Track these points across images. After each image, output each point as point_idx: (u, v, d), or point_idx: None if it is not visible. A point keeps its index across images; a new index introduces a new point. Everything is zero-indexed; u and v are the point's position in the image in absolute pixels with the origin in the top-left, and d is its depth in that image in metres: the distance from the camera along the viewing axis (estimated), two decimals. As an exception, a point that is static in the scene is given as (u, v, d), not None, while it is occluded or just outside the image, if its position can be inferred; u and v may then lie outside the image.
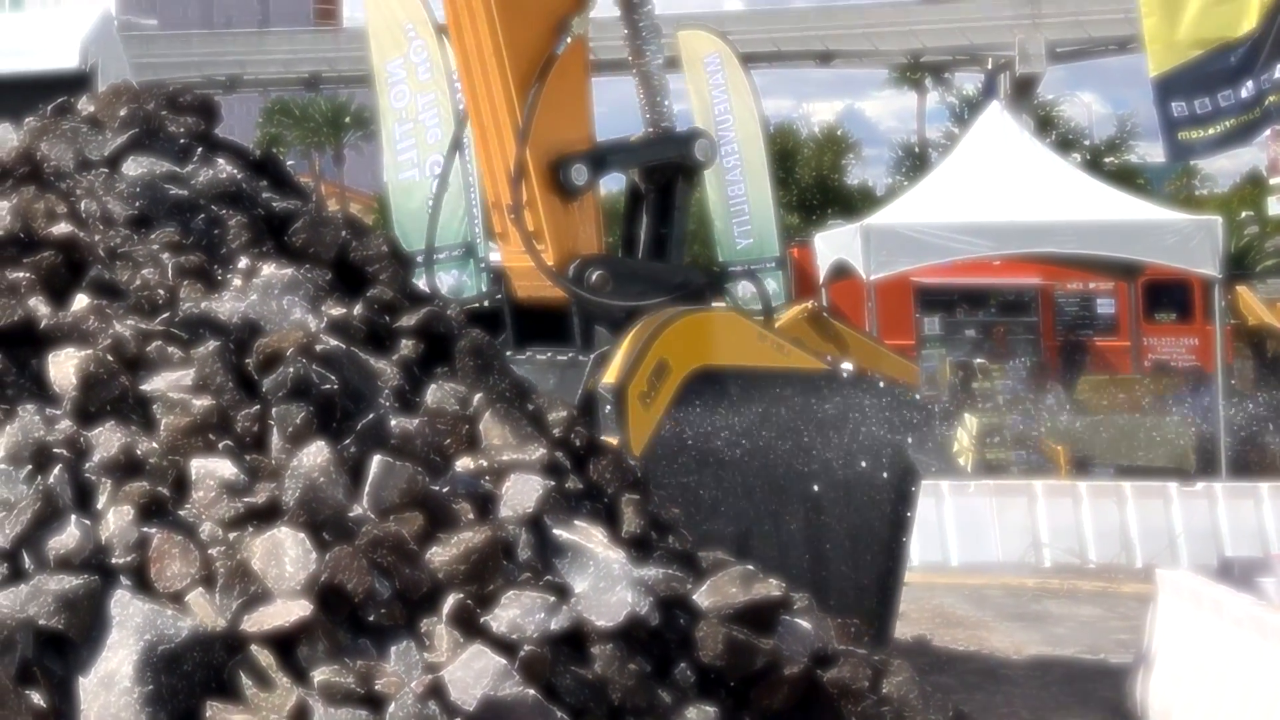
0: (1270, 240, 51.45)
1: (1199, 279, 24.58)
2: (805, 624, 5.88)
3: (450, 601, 5.12)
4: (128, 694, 4.62)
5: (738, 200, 28.02)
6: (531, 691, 4.88)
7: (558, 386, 8.89)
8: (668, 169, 10.46)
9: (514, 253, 10.29)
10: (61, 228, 6.21)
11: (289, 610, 4.87)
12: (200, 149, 6.99)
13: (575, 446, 6.37)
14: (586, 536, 5.67)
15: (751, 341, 10.07)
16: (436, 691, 4.81)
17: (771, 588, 5.82)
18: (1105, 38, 57.45)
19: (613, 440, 7.59)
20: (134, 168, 6.70)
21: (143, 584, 4.93)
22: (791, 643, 5.72)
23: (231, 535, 5.11)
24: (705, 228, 31.11)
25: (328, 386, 5.65)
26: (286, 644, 4.83)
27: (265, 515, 5.16)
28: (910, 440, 10.61)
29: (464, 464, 5.84)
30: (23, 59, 14.82)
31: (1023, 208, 21.81)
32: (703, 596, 5.73)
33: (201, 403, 5.48)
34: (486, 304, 12.44)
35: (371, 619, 5.02)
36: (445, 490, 5.58)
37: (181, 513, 5.19)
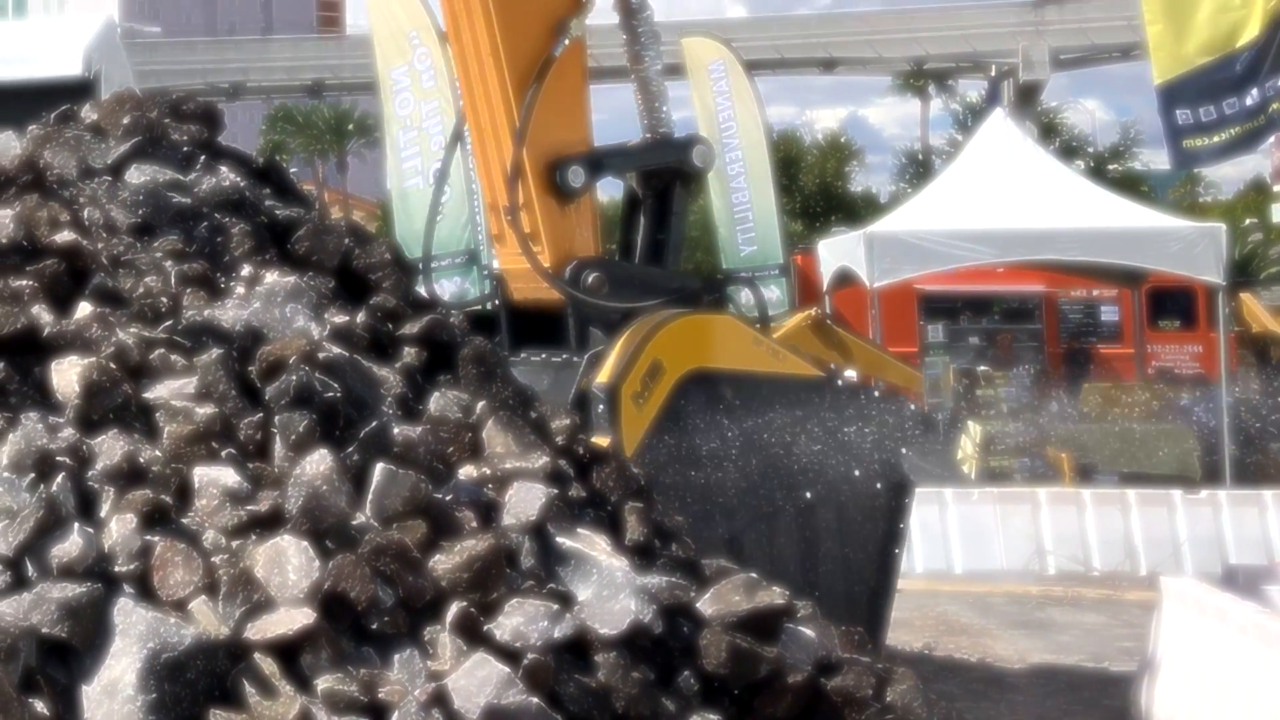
0: (1274, 247, 51.47)
1: (1203, 286, 24.60)
2: (809, 632, 5.87)
3: (453, 610, 5.12)
4: (131, 702, 4.62)
5: (741, 207, 28.04)
6: (535, 700, 4.88)
7: (551, 387, 8.87)
8: (665, 175, 10.45)
9: (510, 255, 10.28)
10: (64, 236, 6.21)
11: (292, 618, 4.86)
12: (203, 157, 7.00)
13: (578, 454, 6.37)
14: (590, 544, 5.67)
15: (747, 346, 10.04)
16: (440, 700, 4.81)
17: (775, 596, 5.81)
18: (1109, 45, 57.47)
19: (604, 440, 7.58)
20: (137, 176, 6.71)
21: (146, 592, 4.93)
22: (795, 651, 5.72)
23: (234, 543, 5.11)
24: (709, 235, 31.12)
25: (330, 394, 5.65)
26: (290, 652, 4.82)
27: (268, 523, 5.16)
28: (906, 452, 10.57)
29: (467, 472, 5.84)
30: (26, 66, 14.83)
31: (1026, 215, 21.81)
32: (706, 604, 5.72)
33: (204, 411, 5.48)
34: (488, 306, 12.43)
35: (374, 627, 5.02)
36: (448, 498, 5.57)
37: (184, 521, 5.18)
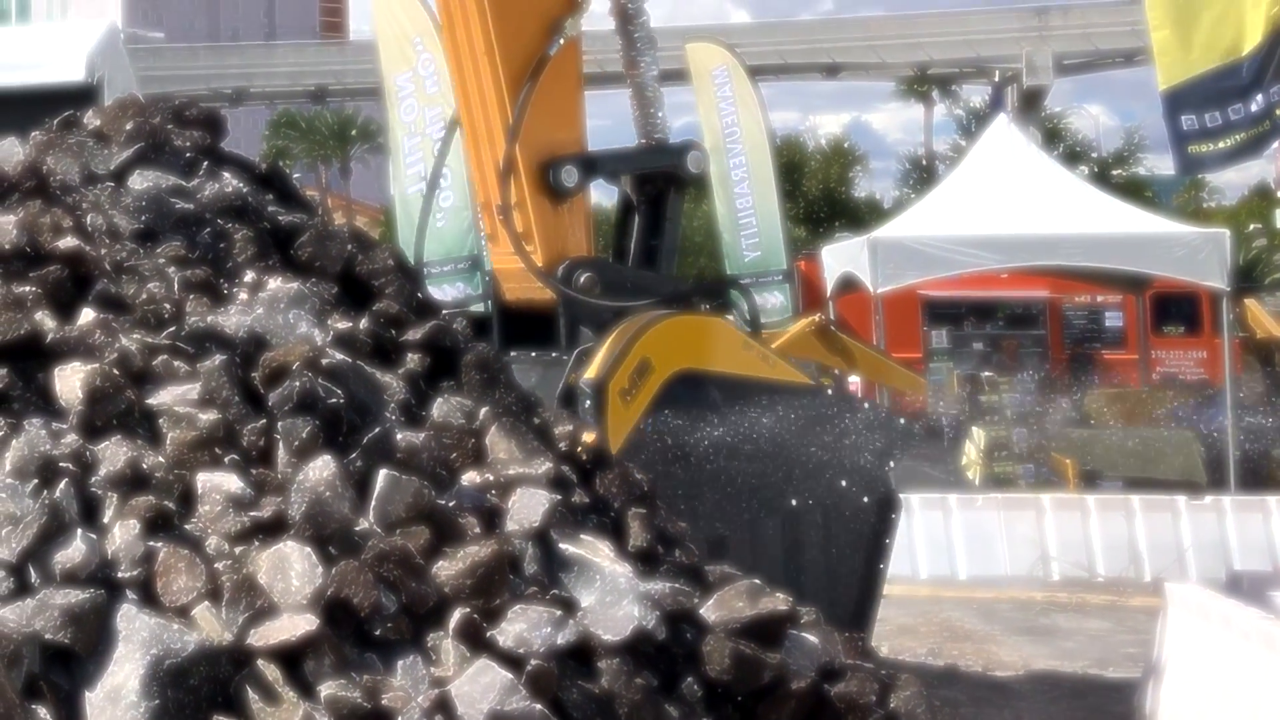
0: (1279, 253, 51.43)
1: (1207, 292, 24.61)
2: (812, 638, 5.86)
3: (457, 616, 5.11)
4: (134, 708, 4.61)
5: (745, 213, 28.05)
6: (538, 706, 4.87)
7: (539, 384, 8.85)
8: (659, 180, 10.44)
9: (503, 254, 10.28)
10: (67, 241, 6.20)
11: (295, 624, 4.86)
12: (206, 163, 6.99)
13: (582, 460, 6.37)
14: (593, 550, 5.66)
15: (737, 349, 10.02)
16: (443, 706, 4.80)
17: (778, 602, 5.80)
18: (1112, 50, 57.50)
19: (589, 436, 7.56)
20: (140, 181, 6.71)
21: (149, 598, 4.92)
22: (798, 657, 5.71)
23: (238, 549, 5.10)
24: (713, 240, 31.12)
25: (334, 400, 5.65)
26: (293, 658, 4.81)
27: (271, 529, 5.15)
28: (893, 467, 10.51)
29: (470, 478, 5.83)
30: (29, 72, 14.85)
31: (1030, 220, 21.82)
32: (709, 611, 5.71)
33: (207, 417, 5.47)
34: (484, 307, 12.42)
35: (378, 633, 5.01)
36: (451, 504, 5.57)
37: (188, 527, 5.18)
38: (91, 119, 7.17)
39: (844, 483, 10.02)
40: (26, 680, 4.62)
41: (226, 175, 6.97)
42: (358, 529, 5.23)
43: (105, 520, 5.12)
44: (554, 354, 9.70)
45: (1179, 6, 15.17)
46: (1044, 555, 17.94)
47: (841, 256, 24.72)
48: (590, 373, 9.14)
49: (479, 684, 4.86)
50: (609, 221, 12.55)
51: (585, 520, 5.95)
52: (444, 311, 7.22)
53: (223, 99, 55.35)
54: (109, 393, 5.48)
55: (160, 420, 5.51)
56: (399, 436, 5.74)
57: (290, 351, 5.78)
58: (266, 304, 6.16)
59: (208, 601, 4.90)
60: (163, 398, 5.60)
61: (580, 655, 5.21)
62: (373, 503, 5.35)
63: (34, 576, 4.88)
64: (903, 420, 11.58)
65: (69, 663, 4.74)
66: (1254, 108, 14.64)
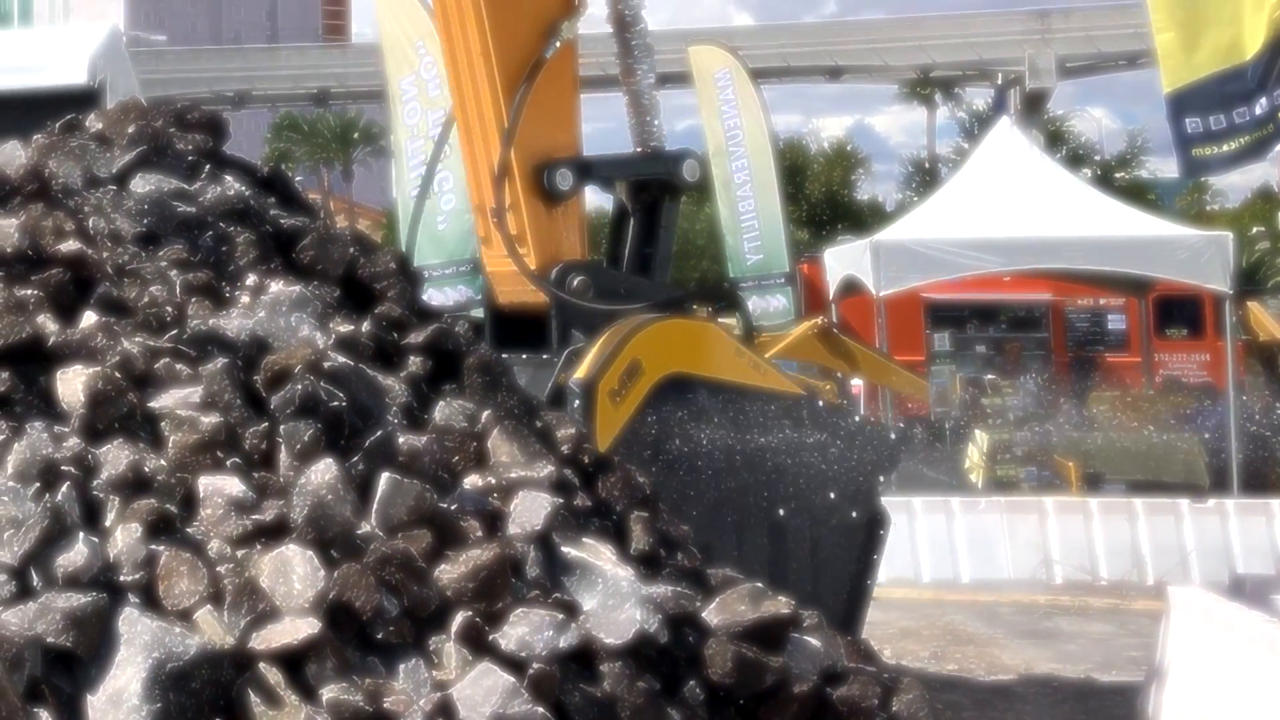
0: (1281, 255, 51.46)
1: (1210, 295, 24.61)
2: (815, 641, 5.86)
3: (458, 619, 5.11)
4: (136, 712, 4.61)
5: (747, 216, 28.10)
6: (540, 709, 4.87)
7: (529, 384, 8.82)
8: (655, 188, 10.41)
9: (496, 257, 10.25)
10: (69, 245, 6.20)
11: (297, 628, 4.85)
12: (208, 166, 6.99)
13: (584, 464, 6.36)
14: (595, 554, 5.66)
15: (729, 356, 9.98)
16: (445, 709, 4.80)
17: (781, 605, 5.80)
18: (1115, 53, 57.56)
19: None
20: (142, 185, 6.70)
21: (151, 601, 4.92)
22: (801, 660, 5.70)
23: (239, 553, 5.10)
24: (715, 243, 31.14)
25: (336, 404, 5.64)
26: (295, 662, 4.81)
27: (273, 533, 5.15)
28: (883, 483, 10.44)
29: (472, 481, 5.83)
30: (31, 75, 14.85)
31: (1033, 223, 21.85)
32: (712, 614, 5.71)
33: (209, 420, 5.47)
34: (477, 312, 12.40)
35: (380, 637, 5.00)
36: (453, 508, 5.56)
37: (189, 530, 5.17)
38: (93, 122, 7.17)
39: (832, 497, 9.96)
40: (28, 683, 4.62)
41: (228, 178, 6.97)
42: (359, 532, 5.23)
43: (107, 523, 5.12)
44: (545, 356, 9.66)
45: (1183, 9, 15.17)
46: (1046, 558, 17.95)
47: (844, 259, 24.74)
48: (580, 372, 9.11)
49: (481, 687, 4.86)
50: (602, 223, 12.54)
51: (587, 523, 5.94)
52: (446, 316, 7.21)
53: (225, 102, 55.42)
54: (111, 396, 5.48)
55: (162, 423, 5.51)
56: (401, 440, 5.74)
57: (292, 355, 5.78)
58: (268, 307, 6.16)
59: (209, 605, 4.89)
60: (164, 401, 5.60)
61: (582, 659, 5.21)
62: (374, 506, 5.35)
63: (36, 580, 4.88)
64: (894, 435, 11.49)
65: (71, 666, 4.73)
66: (1258, 110, 14.65)
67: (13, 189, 6.54)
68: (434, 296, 17.43)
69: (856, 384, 25.45)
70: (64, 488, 5.11)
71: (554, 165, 9.93)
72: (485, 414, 6.11)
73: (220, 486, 5.28)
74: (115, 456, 5.29)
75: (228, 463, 5.38)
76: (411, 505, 5.37)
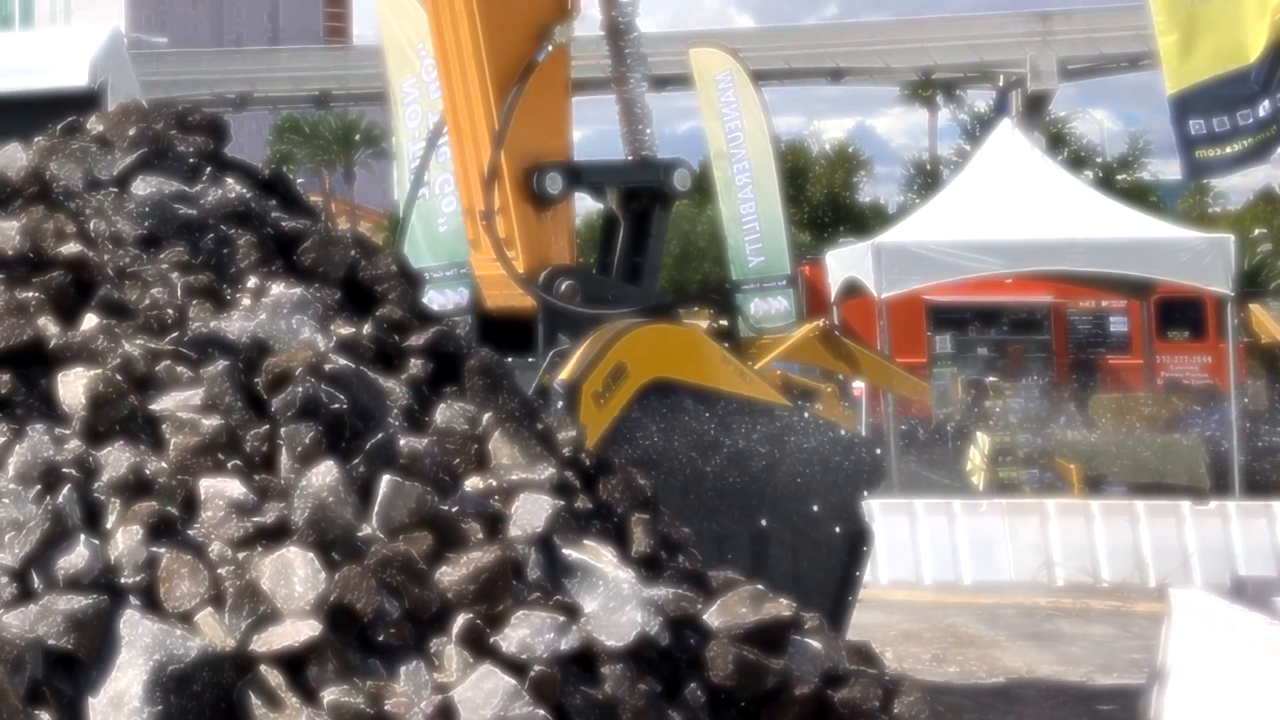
0: (1283, 257, 51.48)
1: (1212, 297, 24.62)
2: (816, 644, 5.86)
3: (459, 621, 5.10)
4: (137, 714, 4.61)
5: (749, 218, 28.10)
6: (541, 712, 4.86)
7: None
8: (645, 196, 10.38)
9: (485, 260, 10.22)
10: (70, 247, 6.20)
11: (298, 630, 4.85)
12: (209, 168, 6.99)
13: (585, 466, 6.36)
14: (596, 556, 5.66)
15: (715, 363, 9.94)
16: (446, 712, 4.79)
17: (782, 607, 5.80)
18: (1117, 55, 57.62)
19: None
20: (143, 187, 6.70)
21: (152, 604, 4.92)
22: (802, 663, 5.70)
23: (240, 555, 5.09)
24: (717, 246, 31.15)
25: (337, 406, 5.64)
26: (296, 664, 4.81)
27: (274, 535, 5.15)
28: (865, 498, 10.35)
29: (473, 483, 5.83)
30: (32, 77, 14.84)
31: (1035, 225, 21.86)
32: (713, 616, 5.71)
33: (210, 422, 5.47)
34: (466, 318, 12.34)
35: (381, 639, 5.00)
36: (454, 510, 5.56)
37: (190, 532, 5.17)
38: (94, 124, 7.16)
39: (815, 509, 9.89)
40: (29, 686, 4.62)
41: (230, 181, 6.97)
42: (360, 535, 5.23)
43: (108, 526, 5.12)
44: (530, 359, 9.63)
45: (1186, 12, 15.20)
46: (1048, 560, 17.96)
47: (845, 261, 24.75)
48: (564, 373, 9.09)
49: (482, 690, 4.86)
50: (592, 232, 12.52)
51: (588, 526, 5.94)
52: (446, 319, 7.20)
53: (226, 104, 55.47)
54: (112, 398, 5.48)
55: (163, 426, 5.51)
56: (402, 442, 5.73)
57: (293, 357, 5.78)
58: (269, 309, 6.15)
59: (210, 607, 4.89)
60: (165, 403, 5.60)
61: (583, 661, 5.21)
62: (375, 508, 5.34)
63: (37, 582, 4.88)
64: (879, 450, 11.39)
65: (72, 668, 4.73)
66: (1261, 113, 14.68)
67: (14, 191, 6.53)
68: (434, 299, 17.44)
69: (858, 386, 25.47)
70: (65, 490, 5.11)
71: (544, 169, 9.90)
72: (486, 416, 6.11)
73: (221, 489, 5.27)
74: (116, 459, 5.29)
75: (229, 465, 5.38)
76: (412, 507, 5.36)
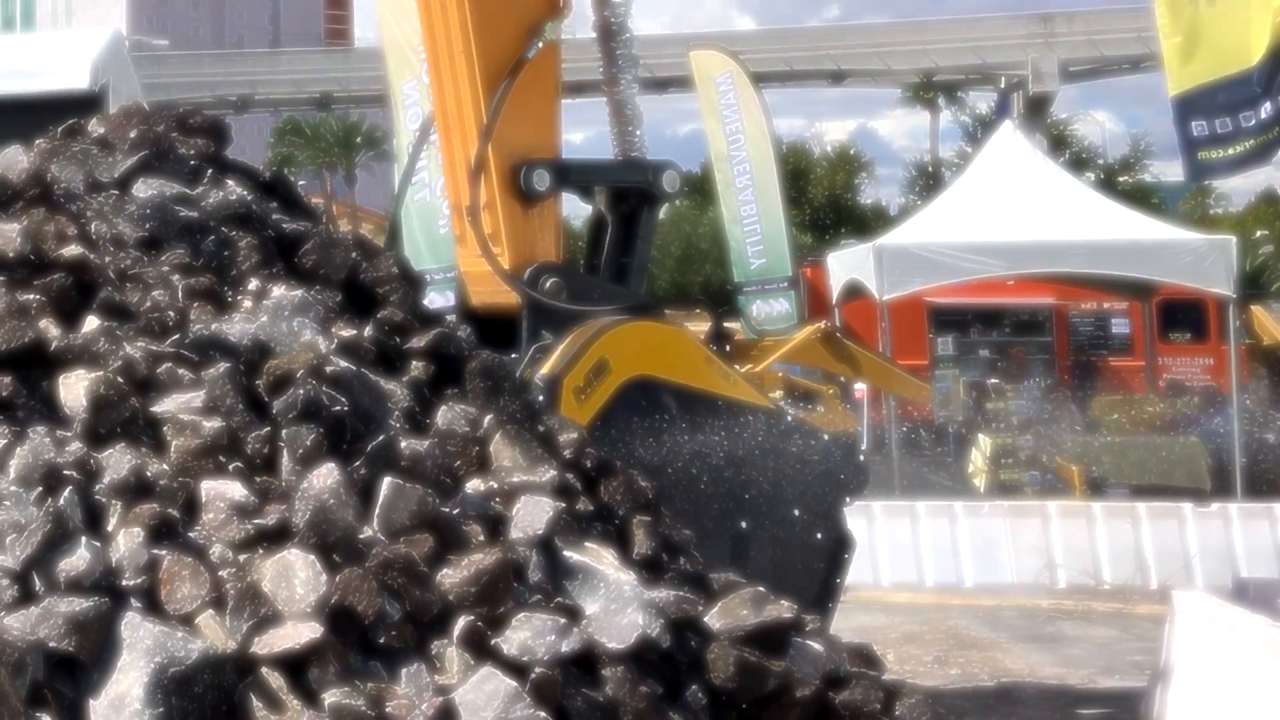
0: (1284, 259, 51.49)
1: (1214, 298, 24.62)
2: (817, 646, 5.86)
3: (461, 623, 5.10)
4: (138, 716, 4.61)
5: (750, 220, 28.09)
6: (543, 714, 4.86)
7: None
8: (633, 197, 10.37)
9: (470, 257, 10.21)
10: (72, 250, 6.20)
11: (299, 632, 4.85)
12: (210, 170, 6.99)
13: (586, 468, 6.36)
14: (597, 558, 5.66)
15: (698, 363, 9.89)
16: (447, 714, 4.80)
17: (783, 609, 5.80)
18: (1119, 57, 57.62)
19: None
20: (144, 189, 6.70)
21: (153, 606, 4.92)
22: (803, 664, 5.70)
23: (242, 557, 5.10)
24: (719, 247, 31.14)
25: (338, 408, 5.64)
26: (297, 666, 4.81)
27: (275, 537, 5.15)
28: (848, 505, 10.29)
29: (474, 486, 5.83)
30: (33, 80, 14.84)
31: (1036, 227, 21.86)
32: (714, 618, 5.71)
33: (212, 424, 5.47)
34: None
35: (382, 641, 5.00)
36: (455, 512, 5.56)
37: (192, 535, 5.17)
38: (96, 127, 7.16)
39: (795, 514, 9.83)
40: (31, 688, 4.62)
41: (231, 183, 6.97)
42: (362, 537, 5.23)
43: (109, 528, 5.12)
44: (513, 355, 9.60)
45: (1190, 14, 15.19)
46: (1050, 563, 17.96)
47: (847, 263, 24.74)
48: (545, 368, 9.08)
49: (483, 692, 4.86)
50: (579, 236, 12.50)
51: (589, 528, 5.94)
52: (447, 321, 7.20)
53: (227, 106, 55.49)
54: (113, 400, 5.48)
55: (164, 428, 5.51)
56: (403, 444, 5.74)
57: (294, 359, 5.78)
58: (270, 312, 6.16)
59: (212, 609, 4.89)
60: (167, 405, 5.60)
61: (585, 663, 5.21)
62: (377, 510, 5.35)
63: (38, 584, 4.88)
64: (862, 457, 11.31)
65: (73, 670, 4.73)
66: (1264, 114, 14.67)
67: (15, 193, 6.54)
68: (435, 301, 17.42)
69: (860, 388, 25.45)
70: (66, 492, 5.11)
71: (532, 165, 9.88)
72: (487, 418, 6.11)
73: (222, 491, 5.28)
74: (117, 461, 5.29)
75: (230, 467, 5.38)
76: (413, 509, 5.37)
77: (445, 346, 6.49)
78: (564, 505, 5.80)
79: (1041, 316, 33.13)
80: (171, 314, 6.04)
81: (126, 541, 5.02)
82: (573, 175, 10.31)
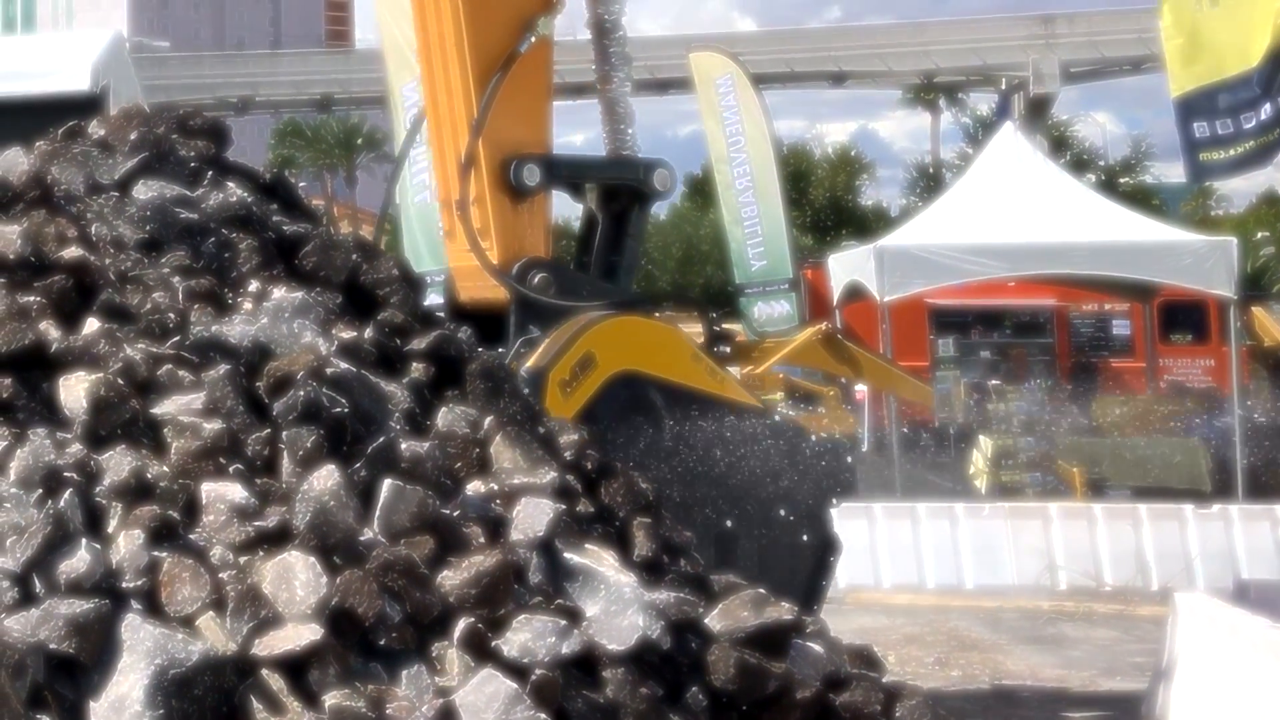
0: (1285, 260, 51.49)
1: (1214, 300, 24.62)
2: (817, 647, 5.85)
3: (461, 625, 5.10)
4: (138, 718, 4.61)
5: (750, 221, 28.11)
6: (543, 716, 4.86)
7: None
8: (625, 196, 10.36)
9: (459, 252, 10.20)
10: (72, 251, 6.20)
11: (300, 634, 4.85)
12: (211, 172, 6.99)
13: (586, 470, 6.36)
14: (598, 560, 5.66)
15: (685, 359, 9.85)
16: (448, 716, 4.80)
17: (783, 611, 5.79)
18: (1119, 58, 57.58)
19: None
20: (144, 191, 6.70)
21: (153, 608, 4.92)
22: (803, 666, 5.70)
23: (242, 559, 5.09)
24: (720, 249, 31.15)
25: (338, 410, 5.64)
26: (297, 668, 4.81)
27: (276, 539, 5.15)
28: (835, 508, 10.23)
29: (475, 487, 5.83)
30: (34, 82, 14.84)
31: (1037, 229, 21.86)
32: (714, 620, 5.70)
33: (212, 426, 5.47)
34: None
35: (382, 643, 5.00)
36: (456, 514, 5.56)
37: (192, 536, 5.17)
38: (96, 128, 7.16)
39: (781, 514, 9.80)
40: (31, 690, 4.62)
41: (231, 185, 6.97)
42: (362, 539, 5.23)
43: (109, 530, 5.12)
44: (500, 350, 9.59)
45: (1192, 16, 15.20)
46: (1051, 564, 17.95)
47: (848, 265, 24.73)
48: (531, 361, 9.07)
49: (483, 694, 4.85)
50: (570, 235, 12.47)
51: (590, 530, 5.94)
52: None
53: (228, 108, 55.46)
54: (113, 402, 5.48)
55: (164, 430, 5.51)
56: (403, 446, 5.74)
57: (295, 361, 5.78)
58: (271, 313, 6.16)
59: (212, 611, 4.89)
60: (167, 407, 5.60)
61: (585, 665, 5.21)
62: (377, 512, 5.34)
63: (38, 586, 4.88)
64: (850, 459, 11.28)
65: (73, 672, 4.73)
66: (1265, 116, 14.67)
67: (15, 195, 6.54)
68: (435, 302, 17.43)
69: (861, 390, 25.46)
70: (66, 494, 5.11)
71: (522, 160, 9.86)
72: (488, 420, 6.11)
73: (222, 493, 5.28)
74: (118, 463, 5.29)
75: (230, 469, 5.38)
76: (414, 511, 5.36)
77: (446, 348, 6.49)
78: (564, 507, 5.79)
79: (1042, 318, 33.13)
80: (172, 316, 6.03)
81: (127, 543, 5.02)
82: (563, 171, 10.29)
